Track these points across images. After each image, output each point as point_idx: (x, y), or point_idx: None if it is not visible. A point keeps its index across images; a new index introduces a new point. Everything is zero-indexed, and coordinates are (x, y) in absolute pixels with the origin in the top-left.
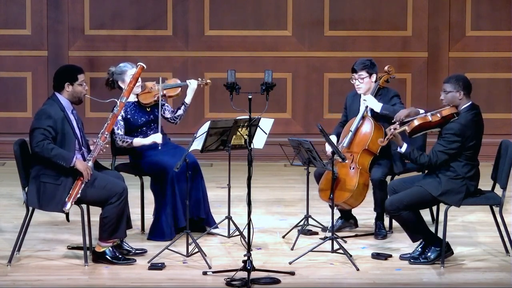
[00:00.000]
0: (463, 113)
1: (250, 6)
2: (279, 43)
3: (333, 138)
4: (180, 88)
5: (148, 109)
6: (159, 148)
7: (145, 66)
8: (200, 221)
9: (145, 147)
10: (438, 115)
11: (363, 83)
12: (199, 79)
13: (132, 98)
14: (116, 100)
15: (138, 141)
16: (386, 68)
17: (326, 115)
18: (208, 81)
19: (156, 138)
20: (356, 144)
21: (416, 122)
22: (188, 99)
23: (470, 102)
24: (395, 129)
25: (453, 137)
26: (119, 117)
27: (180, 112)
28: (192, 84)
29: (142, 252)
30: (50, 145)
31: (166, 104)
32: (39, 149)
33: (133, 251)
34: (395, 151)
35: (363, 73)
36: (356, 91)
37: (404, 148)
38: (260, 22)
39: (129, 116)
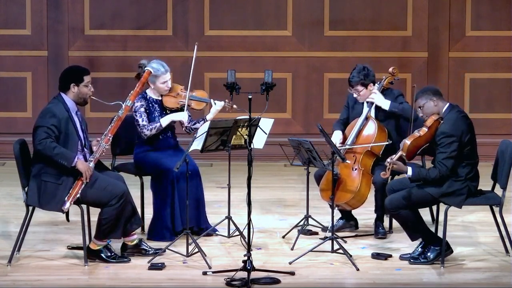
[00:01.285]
0: (446, 115)
1: (250, 6)
2: (279, 43)
3: (339, 133)
4: (204, 104)
5: (168, 112)
6: (184, 126)
7: (152, 71)
8: (199, 231)
9: (149, 147)
10: (424, 128)
11: (361, 95)
12: (226, 100)
13: (157, 96)
14: (121, 103)
15: (165, 120)
16: (390, 69)
17: (326, 115)
18: (235, 106)
19: (184, 115)
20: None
21: (407, 142)
22: (209, 117)
23: (448, 103)
24: (391, 159)
25: (449, 139)
26: (142, 108)
27: (198, 125)
28: (217, 105)
29: (160, 251)
30: (53, 144)
31: (188, 112)
32: (42, 147)
33: (152, 251)
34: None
35: (359, 87)
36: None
37: (410, 171)
38: (260, 22)
39: (148, 111)
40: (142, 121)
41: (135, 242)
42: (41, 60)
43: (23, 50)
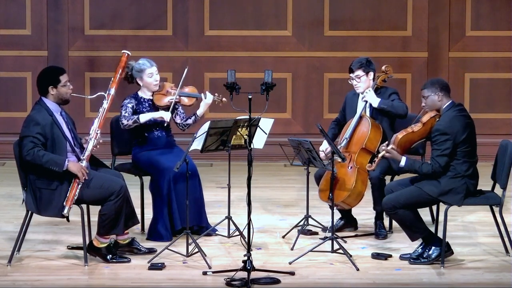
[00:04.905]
0: (444, 112)
1: (250, 6)
2: (279, 43)
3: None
4: (195, 99)
5: (159, 110)
6: (165, 124)
7: (130, 54)
8: (200, 230)
9: (147, 146)
10: (419, 124)
11: (361, 82)
12: (216, 94)
13: (148, 95)
14: (103, 93)
15: (144, 116)
16: (383, 68)
17: (326, 115)
18: (224, 99)
19: (165, 114)
20: (354, 144)
21: (399, 136)
22: (200, 112)
23: (451, 101)
24: (385, 146)
25: (442, 137)
26: (129, 104)
27: (189, 121)
28: (208, 99)
29: (152, 251)
30: (41, 152)
31: (179, 109)
32: (30, 157)
33: (144, 250)
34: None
35: (360, 72)
36: (355, 91)
37: (403, 161)
38: (260, 22)
39: (138, 111)
40: (125, 112)
41: (127, 241)
42: (41, 60)
43: (23, 50)
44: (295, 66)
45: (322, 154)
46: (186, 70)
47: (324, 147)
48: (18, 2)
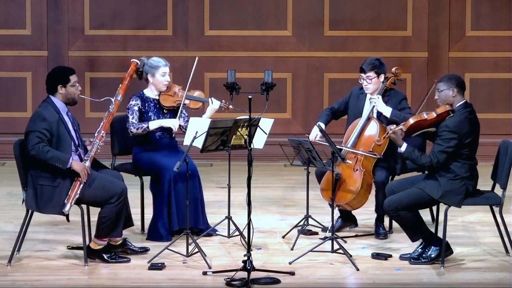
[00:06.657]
0: (457, 111)
1: (250, 6)
2: (279, 43)
3: (316, 130)
4: (201, 103)
5: (165, 111)
6: (173, 132)
7: (138, 62)
8: (198, 232)
9: (148, 147)
10: (433, 113)
11: (371, 83)
12: (223, 101)
13: (154, 95)
14: (111, 98)
15: (154, 123)
16: (393, 69)
17: None
18: (231, 106)
19: (175, 122)
20: (361, 146)
21: (411, 121)
22: (206, 116)
23: (464, 100)
24: (393, 127)
25: (450, 134)
26: (135, 107)
27: None
28: (214, 104)
29: (145, 250)
30: (46, 148)
31: (183, 112)
32: (35, 152)
33: (137, 250)
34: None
35: (372, 74)
36: (362, 88)
37: (404, 147)
38: (260, 22)
39: (143, 110)
40: (132, 118)
41: (119, 242)
42: (41, 60)
43: (23, 50)
44: (295, 66)
45: (311, 138)
46: (196, 60)
47: (313, 135)
48: (18, 2)
